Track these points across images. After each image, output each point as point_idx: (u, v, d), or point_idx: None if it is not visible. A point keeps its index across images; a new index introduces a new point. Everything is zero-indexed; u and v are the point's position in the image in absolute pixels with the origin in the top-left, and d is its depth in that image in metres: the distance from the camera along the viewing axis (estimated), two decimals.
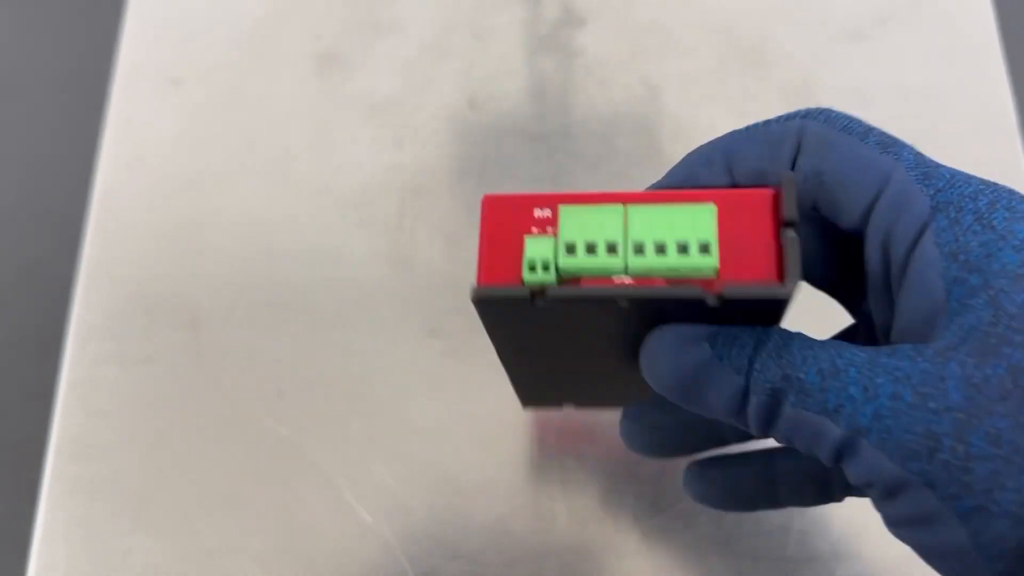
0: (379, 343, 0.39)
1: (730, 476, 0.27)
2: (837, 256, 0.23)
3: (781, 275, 0.19)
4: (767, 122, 0.22)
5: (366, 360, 0.38)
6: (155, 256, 0.41)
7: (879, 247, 0.20)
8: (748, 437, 0.27)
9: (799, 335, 0.20)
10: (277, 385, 0.38)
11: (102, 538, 0.36)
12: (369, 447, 0.37)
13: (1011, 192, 0.20)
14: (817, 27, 0.44)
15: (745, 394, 0.20)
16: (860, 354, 0.19)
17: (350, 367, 0.38)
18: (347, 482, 0.36)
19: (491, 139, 0.43)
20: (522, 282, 0.20)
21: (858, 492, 0.24)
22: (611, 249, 0.20)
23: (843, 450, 0.19)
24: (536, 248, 0.20)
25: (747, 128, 0.22)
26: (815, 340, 0.20)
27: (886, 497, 0.19)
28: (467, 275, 0.40)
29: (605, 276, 0.20)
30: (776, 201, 0.20)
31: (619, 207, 0.20)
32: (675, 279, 0.20)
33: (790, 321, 0.20)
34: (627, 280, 0.20)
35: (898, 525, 0.20)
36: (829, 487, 0.25)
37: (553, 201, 0.21)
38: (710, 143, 0.23)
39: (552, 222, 0.20)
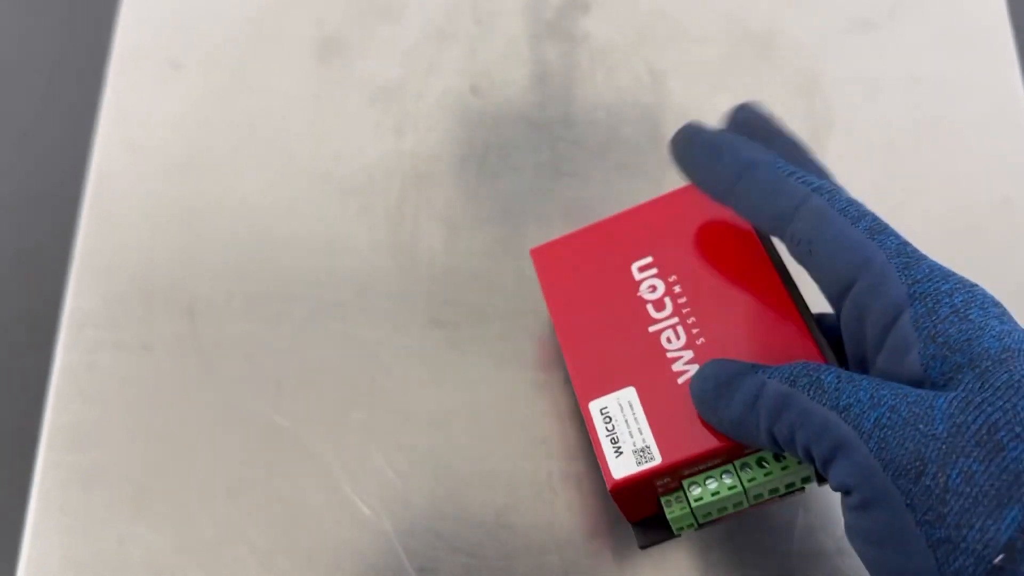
0: (379, 333, 0.38)
1: None
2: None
3: None
4: (784, 173, 0.25)
5: (366, 350, 0.38)
6: (152, 243, 0.40)
7: (855, 323, 0.23)
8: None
9: (831, 369, 0.23)
10: (276, 375, 0.37)
11: (97, 528, 0.35)
12: (368, 438, 0.36)
13: (985, 293, 0.22)
14: (826, 16, 0.43)
15: (763, 386, 0.23)
16: (867, 377, 0.22)
17: (350, 357, 0.38)
18: (346, 474, 0.36)
19: (494, 126, 0.42)
20: (672, 530, 0.27)
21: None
22: (737, 504, 0.26)
23: (840, 449, 0.21)
24: (679, 518, 0.27)
25: (767, 166, 0.25)
26: (836, 370, 0.23)
27: (861, 507, 0.21)
28: (469, 265, 0.39)
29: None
30: None
31: (734, 477, 0.26)
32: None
33: None
34: None
35: (862, 537, 0.21)
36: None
37: (676, 476, 0.26)
38: (738, 153, 0.26)
39: (677, 486, 0.27)
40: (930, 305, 0.22)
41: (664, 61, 0.43)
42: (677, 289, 0.29)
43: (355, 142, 0.42)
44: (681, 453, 0.26)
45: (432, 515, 0.35)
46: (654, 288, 0.29)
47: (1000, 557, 0.19)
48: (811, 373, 0.23)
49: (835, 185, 0.25)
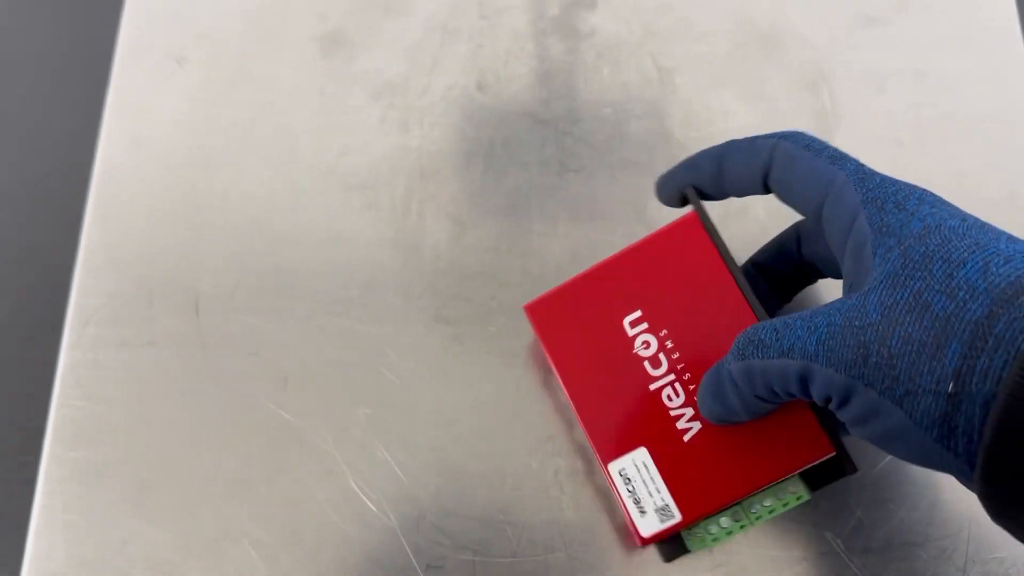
0: (384, 329, 0.38)
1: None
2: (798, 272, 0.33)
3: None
4: (754, 137, 0.30)
5: (371, 346, 0.38)
6: (156, 238, 0.40)
7: (830, 237, 0.28)
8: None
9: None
10: (281, 371, 0.37)
11: (100, 524, 0.35)
12: (374, 434, 0.36)
13: (924, 190, 0.26)
14: (833, 11, 0.43)
15: (728, 372, 0.28)
16: (805, 312, 0.26)
17: (355, 353, 0.38)
18: (351, 470, 0.36)
19: (499, 122, 0.42)
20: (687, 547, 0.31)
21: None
22: (743, 528, 0.31)
23: (804, 378, 0.25)
24: (697, 545, 0.31)
25: (742, 139, 0.30)
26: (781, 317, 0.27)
27: (842, 405, 0.25)
28: (474, 261, 0.39)
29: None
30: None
31: (741, 516, 0.31)
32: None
33: None
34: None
35: (856, 424, 0.25)
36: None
37: (685, 521, 0.30)
38: (710, 148, 0.31)
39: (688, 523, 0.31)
40: (879, 204, 0.26)
41: (670, 57, 0.43)
42: (669, 345, 0.31)
43: (360, 137, 0.42)
44: (697, 511, 0.30)
45: (438, 512, 0.35)
46: (648, 344, 0.32)
47: (951, 385, 0.22)
48: (752, 338, 0.27)
49: (799, 131, 0.29)
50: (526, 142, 0.41)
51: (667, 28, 0.43)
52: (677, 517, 0.30)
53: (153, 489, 0.36)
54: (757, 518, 0.31)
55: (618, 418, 0.31)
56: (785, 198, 0.29)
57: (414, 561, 0.34)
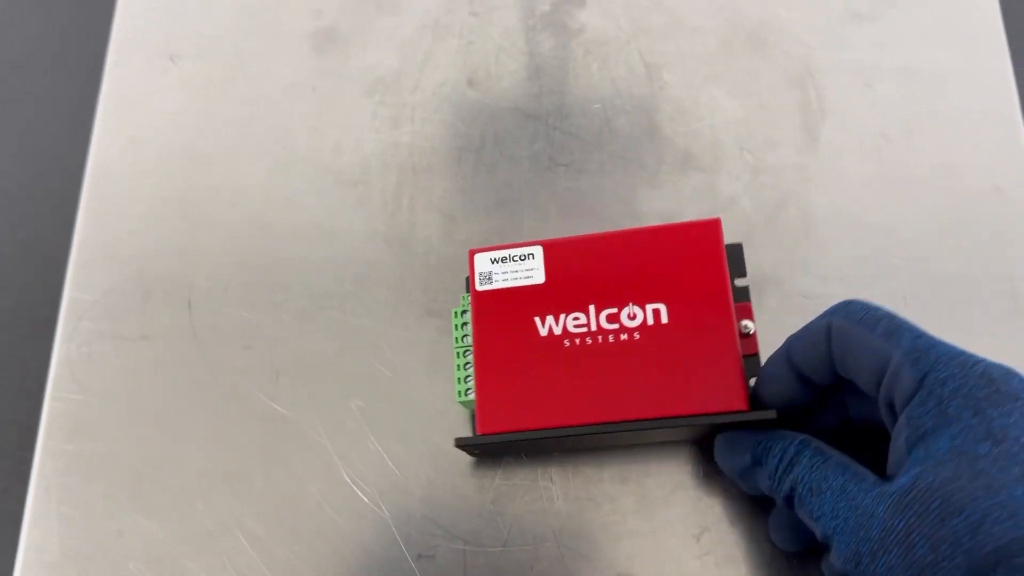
0: (377, 322, 0.38)
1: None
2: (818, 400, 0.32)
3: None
4: (810, 324, 0.30)
5: (363, 339, 0.38)
6: (150, 234, 0.40)
7: (886, 410, 0.28)
8: None
9: (810, 453, 0.29)
10: (274, 364, 0.38)
11: (95, 517, 0.36)
12: (366, 427, 0.37)
13: (979, 376, 0.25)
14: (821, 7, 0.44)
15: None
16: (839, 478, 0.27)
17: (347, 346, 0.38)
18: (344, 462, 0.36)
19: (490, 117, 0.42)
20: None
21: None
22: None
23: (824, 542, 0.27)
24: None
25: (799, 332, 0.30)
26: (818, 458, 0.28)
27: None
28: (465, 255, 0.39)
29: None
30: None
31: None
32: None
33: None
34: None
35: None
36: None
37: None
38: (777, 351, 0.31)
39: None
40: (924, 395, 0.26)
41: (659, 53, 0.43)
42: (630, 322, 0.33)
43: (353, 133, 0.42)
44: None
45: (430, 503, 0.35)
46: (613, 319, 0.33)
47: None
48: (793, 486, 0.29)
49: (853, 301, 0.29)
50: (516, 137, 0.42)
51: (656, 25, 0.44)
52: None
53: (147, 482, 0.36)
54: None
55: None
56: (854, 379, 0.29)
57: (406, 551, 0.35)
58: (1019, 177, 0.40)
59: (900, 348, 0.26)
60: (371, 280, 0.39)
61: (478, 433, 0.32)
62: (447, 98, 0.43)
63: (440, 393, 0.37)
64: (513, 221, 0.40)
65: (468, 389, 0.34)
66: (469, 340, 0.34)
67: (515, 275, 0.34)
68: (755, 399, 0.32)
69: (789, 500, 0.29)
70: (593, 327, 0.33)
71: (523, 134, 0.42)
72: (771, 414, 0.30)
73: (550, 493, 0.35)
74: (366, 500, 0.36)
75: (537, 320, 0.33)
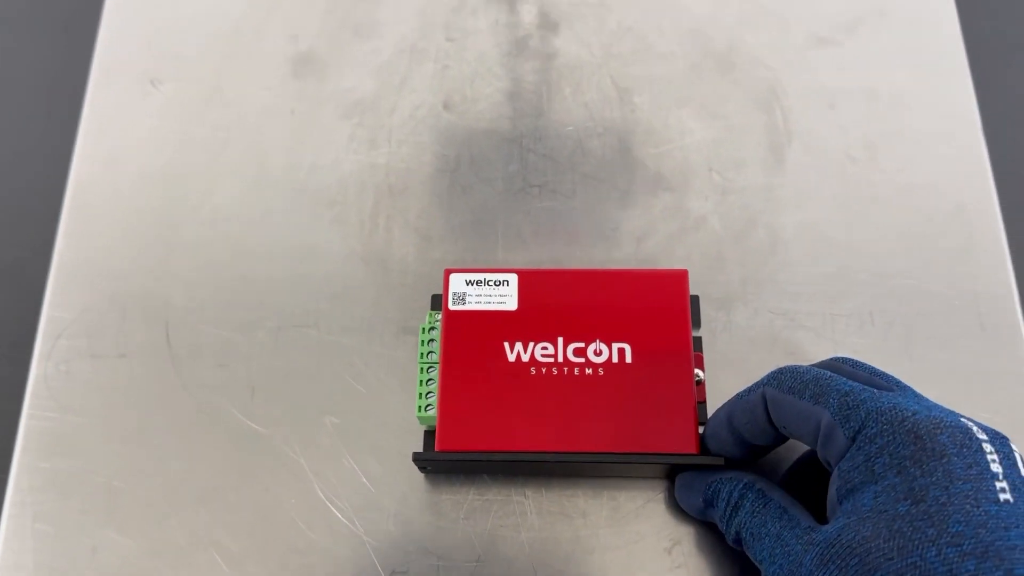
0: (352, 340, 0.39)
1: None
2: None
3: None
4: (747, 391, 0.31)
5: (338, 356, 0.38)
6: (128, 253, 0.41)
7: (825, 464, 0.29)
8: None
9: (752, 497, 0.30)
10: (249, 381, 0.38)
11: (70, 534, 0.36)
12: (341, 444, 0.37)
13: (899, 438, 0.26)
14: (786, 32, 0.45)
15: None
16: (775, 525, 0.29)
17: (323, 364, 0.38)
18: (319, 479, 0.36)
19: (465, 139, 0.43)
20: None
21: None
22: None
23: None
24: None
25: (737, 397, 0.32)
26: (759, 502, 0.30)
27: None
28: (440, 274, 0.40)
29: None
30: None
31: None
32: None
33: None
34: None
35: None
36: None
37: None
38: (719, 412, 0.33)
39: None
40: (854, 451, 0.27)
41: (630, 77, 0.44)
42: (597, 357, 0.34)
43: (329, 155, 0.43)
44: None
45: (404, 519, 0.36)
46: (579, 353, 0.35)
47: None
48: (738, 530, 0.30)
49: (783, 369, 0.30)
50: (491, 159, 0.43)
51: (627, 50, 0.45)
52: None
53: (123, 498, 0.36)
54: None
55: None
56: (796, 439, 0.30)
57: (380, 568, 0.35)
58: (981, 195, 0.41)
59: (828, 410, 0.28)
60: (347, 298, 0.40)
61: (436, 449, 0.33)
62: (423, 120, 0.44)
63: (415, 410, 0.37)
64: (488, 241, 0.41)
65: (428, 405, 0.34)
66: (433, 357, 0.35)
67: (488, 299, 0.35)
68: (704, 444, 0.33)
69: (738, 542, 0.31)
70: (560, 358, 0.34)
71: (498, 156, 0.43)
72: (719, 460, 0.33)
73: (523, 508, 0.36)
74: (340, 516, 0.36)
75: (507, 345, 0.34)
